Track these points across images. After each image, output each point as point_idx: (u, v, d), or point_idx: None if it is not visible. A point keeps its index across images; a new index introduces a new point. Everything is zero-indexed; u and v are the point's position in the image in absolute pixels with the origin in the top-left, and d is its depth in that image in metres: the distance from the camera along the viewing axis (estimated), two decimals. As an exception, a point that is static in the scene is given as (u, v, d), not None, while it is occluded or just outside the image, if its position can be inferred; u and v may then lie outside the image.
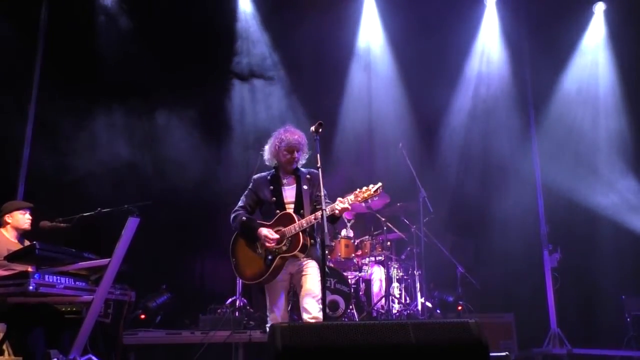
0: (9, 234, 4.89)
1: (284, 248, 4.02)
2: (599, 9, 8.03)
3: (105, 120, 7.37)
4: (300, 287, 4.05)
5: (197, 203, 7.67)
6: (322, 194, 3.88)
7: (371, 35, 8.51)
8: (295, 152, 4.21)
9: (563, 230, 7.56)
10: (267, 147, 4.36)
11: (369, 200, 4.00)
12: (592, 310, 7.35)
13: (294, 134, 4.24)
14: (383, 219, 7.00)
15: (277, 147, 4.27)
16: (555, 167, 7.78)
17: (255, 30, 8.29)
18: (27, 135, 6.86)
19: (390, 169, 7.80)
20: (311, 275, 4.04)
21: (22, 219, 4.92)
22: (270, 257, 4.03)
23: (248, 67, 8.28)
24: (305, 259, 4.09)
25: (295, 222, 4.03)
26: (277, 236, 4.02)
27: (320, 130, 3.95)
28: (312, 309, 3.92)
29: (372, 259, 7.08)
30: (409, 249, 7.32)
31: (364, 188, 3.97)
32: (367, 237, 7.23)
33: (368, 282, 7.08)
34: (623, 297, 6.78)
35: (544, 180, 7.78)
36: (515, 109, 8.16)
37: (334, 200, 4.06)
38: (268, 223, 4.14)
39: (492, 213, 7.86)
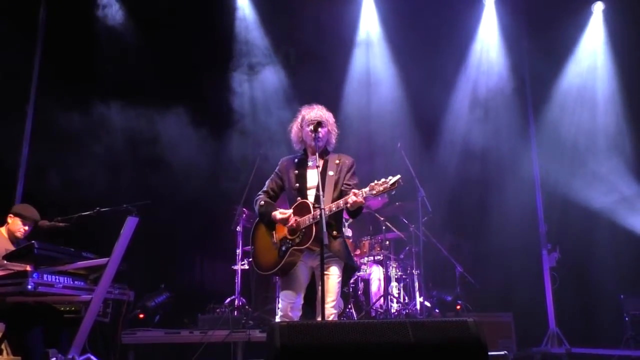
0: (7, 233, 4.87)
1: (297, 240, 3.80)
2: (598, 8, 8.05)
3: (104, 118, 7.36)
4: (319, 285, 3.74)
5: (196, 202, 7.67)
6: (323, 194, 3.66)
7: (370, 35, 8.51)
8: (318, 126, 3.96)
9: (562, 229, 7.58)
10: (291, 136, 4.15)
11: (386, 194, 3.72)
12: (590, 309, 7.35)
13: (313, 108, 4.08)
14: (382, 219, 7.01)
15: (299, 127, 4.08)
16: (554, 166, 7.79)
17: (253, 28, 8.29)
18: (25, 134, 6.85)
19: (389, 168, 7.78)
20: (332, 275, 3.82)
21: (19, 226, 4.85)
22: (283, 249, 3.83)
23: (248, 66, 8.28)
24: (326, 253, 3.72)
25: (310, 212, 3.79)
26: (284, 216, 3.81)
27: (319, 129, 3.88)
28: (326, 314, 3.64)
29: (371, 258, 7.08)
30: (407, 248, 7.33)
31: (381, 180, 3.64)
32: (365, 236, 7.23)
33: (367, 282, 7.08)
34: (622, 296, 6.78)
35: (542, 179, 7.79)
36: (514, 108, 8.17)
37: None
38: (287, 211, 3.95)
39: (491, 212, 7.87)
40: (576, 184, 7.48)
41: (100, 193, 6.68)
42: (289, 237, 3.85)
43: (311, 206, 3.81)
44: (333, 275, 3.84)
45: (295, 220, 3.83)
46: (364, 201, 3.67)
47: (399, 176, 3.62)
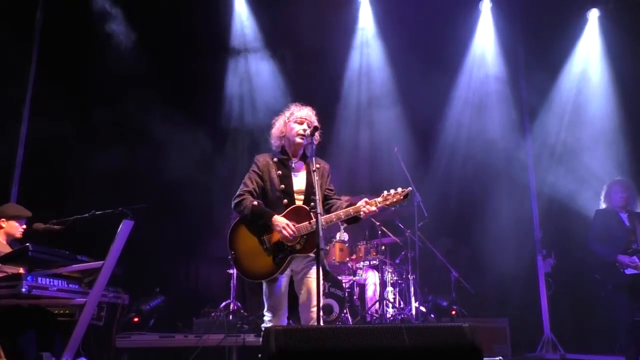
0: (1, 237, 4.85)
1: (298, 247, 3.64)
2: (593, 15, 8.10)
3: (99, 121, 7.35)
4: (302, 289, 3.73)
5: (191, 206, 7.66)
6: (317, 197, 3.54)
7: (366, 40, 8.54)
8: (306, 125, 3.85)
9: (557, 235, 7.59)
10: (273, 130, 4.01)
11: (397, 205, 3.67)
12: (585, 315, 7.36)
13: (303, 108, 3.98)
14: (378, 223, 7.01)
15: (285, 122, 3.94)
16: (550, 172, 7.81)
17: (250, 32, 8.31)
18: (21, 137, 6.83)
19: (385, 173, 7.81)
20: (316, 279, 3.59)
21: (17, 227, 4.84)
22: (281, 256, 3.64)
23: (244, 69, 8.30)
24: (310, 258, 3.71)
25: (310, 217, 3.63)
26: (293, 227, 3.61)
27: (316, 134, 3.77)
28: (313, 317, 3.65)
29: (367, 263, 7.08)
30: (403, 253, 7.33)
31: (392, 191, 3.64)
32: (361, 241, 7.23)
33: (362, 287, 7.08)
34: (617, 302, 6.78)
35: (538, 185, 7.81)
36: (510, 114, 8.20)
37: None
38: (279, 215, 3.72)
39: (486, 218, 7.88)
40: (571, 190, 7.49)
41: (96, 196, 6.66)
42: (287, 243, 3.66)
43: (311, 211, 3.68)
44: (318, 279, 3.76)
45: (295, 226, 3.65)
46: (377, 210, 3.66)
47: (410, 188, 3.66)
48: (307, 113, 3.96)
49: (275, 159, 3.91)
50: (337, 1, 8.18)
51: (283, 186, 3.79)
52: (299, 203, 3.78)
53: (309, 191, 3.73)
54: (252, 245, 3.73)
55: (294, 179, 3.84)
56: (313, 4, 7.54)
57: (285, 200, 3.77)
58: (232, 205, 3.83)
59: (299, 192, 3.82)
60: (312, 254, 3.64)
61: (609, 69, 7.99)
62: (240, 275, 3.88)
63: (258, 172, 3.88)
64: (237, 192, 3.84)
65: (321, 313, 3.75)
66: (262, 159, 3.93)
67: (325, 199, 3.91)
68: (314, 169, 3.62)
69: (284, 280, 3.76)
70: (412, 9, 7.83)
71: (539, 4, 7.86)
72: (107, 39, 7.62)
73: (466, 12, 8.32)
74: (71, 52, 7.29)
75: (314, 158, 3.72)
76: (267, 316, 3.77)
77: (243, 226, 3.80)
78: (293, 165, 3.90)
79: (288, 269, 3.75)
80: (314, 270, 3.65)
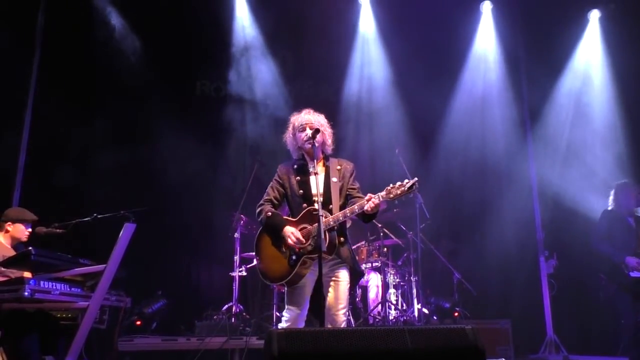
0: (5, 240, 4.86)
1: (309, 248, 3.68)
2: (594, 16, 8.11)
3: (101, 125, 7.36)
4: (328, 292, 3.74)
5: (193, 209, 7.66)
6: (331, 201, 3.60)
7: (367, 42, 8.54)
8: (308, 129, 3.91)
9: (559, 236, 7.58)
10: (288, 146, 4.10)
11: (403, 198, 3.60)
12: (588, 316, 7.35)
13: (300, 113, 4.05)
14: (379, 225, 7.00)
15: (292, 134, 4.02)
16: (551, 173, 7.81)
17: (251, 35, 8.31)
18: (23, 141, 6.84)
19: (387, 175, 7.81)
20: (342, 282, 3.76)
21: (23, 231, 4.87)
22: (294, 257, 3.71)
23: (245, 72, 8.30)
24: (335, 260, 3.77)
25: (323, 218, 3.63)
26: (299, 236, 3.69)
27: (317, 136, 3.82)
28: (337, 321, 3.70)
29: (369, 265, 7.07)
30: (405, 255, 7.32)
31: (397, 184, 3.58)
32: (363, 242, 7.22)
33: (364, 289, 7.07)
34: (619, 303, 6.77)
35: (540, 186, 7.80)
36: (512, 115, 8.19)
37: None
38: (294, 219, 3.81)
39: (488, 219, 7.87)
40: (573, 191, 7.48)
41: (97, 199, 6.67)
42: (296, 248, 3.72)
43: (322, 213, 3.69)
44: (343, 281, 3.77)
45: (306, 228, 3.73)
46: (380, 202, 3.60)
47: (415, 179, 3.59)
48: (304, 118, 4.01)
49: (295, 166, 4.01)
50: (338, 3, 8.18)
51: (302, 191, 3.89)
52: (317, 205, 3.77)
53: (327, 194, 3.82)
54: (273, 250, 3.85)
55: (312, 183, 3.86)
56: (315, 6, 7.55)
57: (305, 205, 3.84)
58: (256, 214, 3.97)
59: (317, 195, 3.78)
60: (333, 256, 3.73)
61: (610, 70, 8.00)
62: (263, 279, 3.91)
63: (279, 180, 4.01)
64: (259, 202, 3.99)
65: (345, 317, 3.78)
66: (283, 167, 4.06)
67: (347, 199, 3.94)
68: (316, 171, 3.74)
69: (305, 283, 3.78)
70: (413, 11, 7.84)
71: (540, 5, 7.87)
72: (109, 43, 7.64)
73: (467, 13, 8.33)
74: (72, 56, 7.31)
75: (335, 159, 4.00)
76: (285, 316, 3.80)
77: (265, 234, 3.93)
78: (312, 169, 3.91)
79: (313, 272, 3.76)
80: (340, 273, 3.78)
